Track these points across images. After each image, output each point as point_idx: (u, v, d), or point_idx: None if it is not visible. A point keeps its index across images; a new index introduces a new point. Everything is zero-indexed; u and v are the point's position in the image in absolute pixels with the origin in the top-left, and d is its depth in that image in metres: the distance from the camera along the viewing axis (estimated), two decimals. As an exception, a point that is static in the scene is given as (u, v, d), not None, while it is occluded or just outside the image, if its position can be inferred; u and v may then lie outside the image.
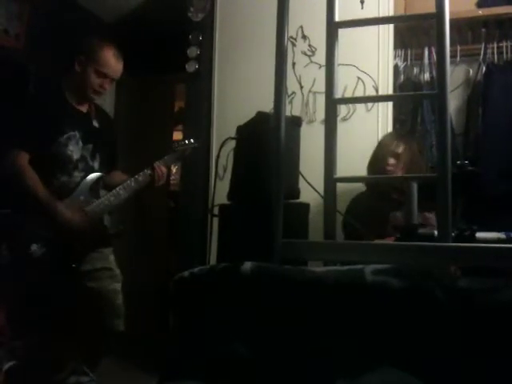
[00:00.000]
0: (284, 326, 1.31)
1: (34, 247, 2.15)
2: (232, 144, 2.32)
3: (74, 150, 2.30)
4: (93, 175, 2.36)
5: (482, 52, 2.99)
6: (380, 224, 2.20)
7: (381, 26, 2.80)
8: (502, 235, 1.57)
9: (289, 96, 2.88)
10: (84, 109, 2.40)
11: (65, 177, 2.28)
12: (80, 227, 2.24)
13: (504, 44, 2.96)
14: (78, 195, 2.30)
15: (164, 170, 2.43)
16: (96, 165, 2.40)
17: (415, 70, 3.13)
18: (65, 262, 2.24)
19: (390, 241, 1.94)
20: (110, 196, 2.36)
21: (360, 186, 2.57)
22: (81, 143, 2.32)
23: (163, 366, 1.47)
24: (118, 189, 2.37)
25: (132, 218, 3.96)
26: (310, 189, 2.05)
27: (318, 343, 1.27)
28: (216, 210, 2.26)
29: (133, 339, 2.73)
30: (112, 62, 2.36)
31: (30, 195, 2.16)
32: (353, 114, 2.81)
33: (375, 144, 2.67)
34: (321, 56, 2.61)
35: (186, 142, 2.57)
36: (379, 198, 2.39)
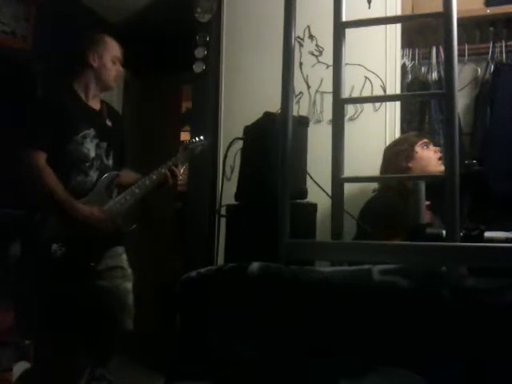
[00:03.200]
0: (291, 326, 1.31)
1: (55, 247, 2.15)
2: (239, 144, 2.33)
3: (90, 148, 2.30)
4: (109, 174, 2.37)
5: (490, 51, 2.99)
6: (398, 225, 2.18)
7: (388, 25, 2.79)
8: (510, 235, 1.56)
9: (296, 96, 2.88)
10: (97, 107, 2.42)
11: (81, 176, 2.27)
12: (100, 226, 2.25)
13: (512, 43, 2.96)
14: (95, 194, 2.30)
15: (178, 170, 2.44)
16: (110, 163, 2.40)
17: (423, 70, 3.12)
18: (84, 261, 2.25)
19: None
20: (126, 195, 2.36)
21: (366, 186, 2.55)
22: (96, 141, 2.33)
23: (169, 366, 1.48)
24: (133, 187, 2.37)
25: (139, 218, 3.97)
26: (318, 189, 2.05)
27: (324, 343, 1.27)
28: (223, 210, 2.26)
29: (139, 338, 2.73)
30: (117, 45, 2.45)
31: (48, 195, 2.16)
32: (360, 113, 2.81)
33: (383, 144, 2.66)
34: (328, 56, 2.62)
35: (197, 139, 2.59)
36: (395, 199, 2.37)
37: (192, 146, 2.57)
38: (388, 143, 2.64)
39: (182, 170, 2.55)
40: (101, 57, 2.38)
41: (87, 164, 2.29)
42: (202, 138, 2.61)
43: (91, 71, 2.37)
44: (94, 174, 2.31)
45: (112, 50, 2.42)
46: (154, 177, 2.40)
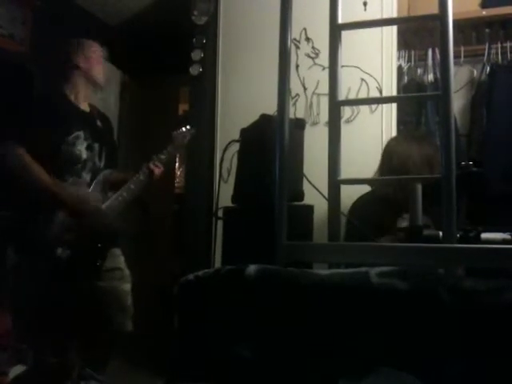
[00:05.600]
0: (288, 328, 1.31)
1: (59, 251, 2.15)
2: (236, 147, 2.33)
3: (82, 150, 2.31)
4: (104, 172, 2.39)
5: (486, 52, 2.99)
6: (385, 227, 2.19)
7: (384, 27, 2.80)
8: (507, 236, 1.56)
9: (292, 98, 2.88)
10: (87, 108, 2.43)
11: (74, 177, 2.29)
12: (101, 221, 2.26)
13: (508, 44, 2.96)
14: (92, 194, 2.32)
15: (158, 168, 2.45)
16: (102, 164, 2.41)
17: (419, 71, 3.13)
18: (90, 261, 2.26)
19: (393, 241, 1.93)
20: (122, 191, 2.38)
21: (362, 188, 2.55)
22: (87, 143, 2.33)
23: (168, 368, 1.47)
24: (128, 184, 2.39)
25: (136, 221, 3.97)
26: (314, 191, 2.05)
27: (322, 345, 1.27)
28: (220, 213, 2.26)
29: (139, 340, 2.73)
30: (99, 45, 2.52)
31: (37, 187, 2.16)
32: (357, 115, 2.81)
33: (379, 146, 2.65)
34: (324, 58, 2.61)
35: (184, 129, 2.61)
36: (383, 200, 2.37)
37: (180, 136, 2.59)
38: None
39: (178, 173, 2.56)
40: (87, 58, 2.42)
41: (79, 165, 2.30)
42: (188, 127, 2.62)
43: (79, 72, 2.40)
44: (86, 176, 2.32)
45: (98, 49, 2.49)
46: (147, 171, 2.42)
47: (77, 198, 2.22)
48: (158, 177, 2.44)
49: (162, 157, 2.48)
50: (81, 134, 2.31)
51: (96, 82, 2.46)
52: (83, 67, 2.40)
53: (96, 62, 2.45)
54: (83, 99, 2.42)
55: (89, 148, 2.34)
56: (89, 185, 2.33)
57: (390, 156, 2.43)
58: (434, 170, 2.34)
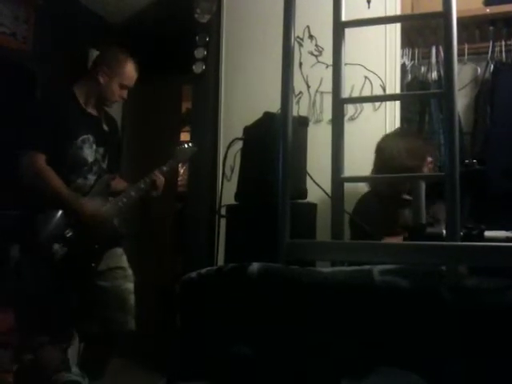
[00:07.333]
0: (291, 326, 1.31)
1: (56, 247, 2.18)
2: (239, 145, 2.33)
3: (89, 153, 2.33)
4: (106, 176, 2.40)
5: (490, 50, 2.98)
6: (389, 224, 2.19)
7: (388, 25, 2.79)
8: (510, 234, 1.56)
9: (296, 96, 2.88)
10: (95, 112, 2.43)
11: (80, 179, 2.31)
12: (100, 226, 2.27)
13: (512, 42, 2.95)
14: (94, 196, 2.33)
15: (162, 178, 2.46)
16: (106, 167, 2.43)
17: (423, 69, 3.12)
18: (85, 262, 2.28)
19: (398, 240, 1.93)
20: (123, 197, 2.40)
21: (365, 186, 2.55)
22: (94, 146, 2.35)
23: (170, 367, 1.48)
24: (129, 190, 2.42)
25: (139, 219, 3.97)
26: (318, 189, 2.05)
27: (324, 344, 1.27)
28: (223, 211, 2.27)
29: (140, 339, 2.73)
30: (134, 74, 2.46)
31: (53, 194, 2.18)
32: (360, 113, 2.81)
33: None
34: (328, 56, 2.61)
35: (186, 146, 2.62)
36: (387, 197, 2.38)
37: (181, 152, 2.60)
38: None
39: (181, 171, 2.57)
40: (111, 77, 2.38)
41: (86, 168, 2.31)
42: (190, 144, 2.65)
43: (96, 85, 2.38)
44: (92, 178, 2.35)
45: (127, 77, 2.42)
46: (148, 181, 2.43)
47: (87, 208, 2.25)
48: (158, 187, 2.46)
49: (164, 168, 2.50)
50: (88, 137, 2.32)
51: (105, 101, 2.44)
52: (101, 82, 2.37)
53: (117, 86, 2.39)
54: (92, 105, 2.42)
55: (95, 151, 2.36)
56: (92, 187, 2.34)
57: (380, 152, 2.44)
58: (422, 161, 2.36)
